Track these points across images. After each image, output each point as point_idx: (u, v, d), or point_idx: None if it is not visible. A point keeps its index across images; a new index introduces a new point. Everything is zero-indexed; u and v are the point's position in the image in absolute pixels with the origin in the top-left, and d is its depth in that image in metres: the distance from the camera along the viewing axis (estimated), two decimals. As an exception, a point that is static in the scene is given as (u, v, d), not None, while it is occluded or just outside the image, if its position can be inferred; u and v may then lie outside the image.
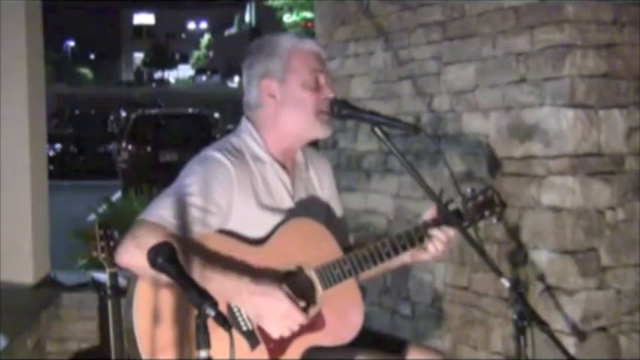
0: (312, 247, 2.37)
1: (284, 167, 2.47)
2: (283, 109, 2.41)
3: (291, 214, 2.42)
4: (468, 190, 2.45)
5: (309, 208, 2.49)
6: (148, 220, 2.24)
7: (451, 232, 2.39)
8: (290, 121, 2.41)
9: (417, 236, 2.41)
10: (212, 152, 2.38)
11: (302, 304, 2.30)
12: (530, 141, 3.49)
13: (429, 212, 2.45)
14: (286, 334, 2.26)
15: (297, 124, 2.41)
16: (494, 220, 2.48)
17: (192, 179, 2.31)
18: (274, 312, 2.22)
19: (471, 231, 2.39)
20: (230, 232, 2.33)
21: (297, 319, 2.24)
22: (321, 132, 2.43)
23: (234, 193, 2.33)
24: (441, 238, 2.39)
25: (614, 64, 3.37)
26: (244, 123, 2.49)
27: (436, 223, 2.41)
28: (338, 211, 2.65)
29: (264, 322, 2.24)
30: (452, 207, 2.39)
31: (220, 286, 2.18)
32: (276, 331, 2.25)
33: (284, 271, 2.34)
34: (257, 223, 2.36)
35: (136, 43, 76.06)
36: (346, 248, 2.47)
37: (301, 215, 2.42)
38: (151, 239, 2.09)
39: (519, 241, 3.55)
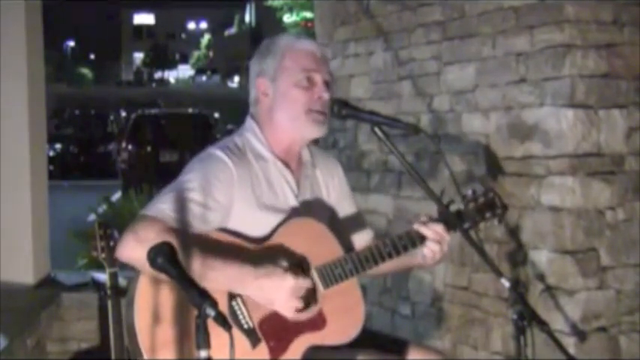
0: (313, 247, 2.37)
1: (287, 165, 2.47)
2: (275, 106, 2.44)
3: (294, 212, 2.43)
4: (469, 192, 2.46)
5: (313, 207, 2.50)
6: (147, 215, 2.25)
7: (439, 228, 2.39)
8: (282, 119, 2.43)
9: (417, 236, 2.41)
10: (214, 150, 2.39)
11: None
12: (530, 141, 3.49)
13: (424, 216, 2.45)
14: (300, 306, 2.27)
15: (288, 122, 2.42)
16: (496, 222, 2.49)
17: (192, 176, 2.33)
18: (282, 290, 2.24)
19: (471, 231, 2.39)
20: (231, 230, 2.34)
21: (306, 285, 2.27)
22: (312, 131, 2.44)
23: (235, 192, 2.34)
24: (433, 238, 2.38)
25: (614, 64, 3.37)
26: (248, 121, 2.51)
27: (434, 220, 2.41)
28: (350, 209, 2.65)
29: (275, 303, 2.26)
30: (453, 208, 2.39)
31: (223, 275, 2.20)
32: (289, 308, 2.26)
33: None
34: (258, 223, 2.36)
35: (136, 43, 76.16)
36: (351, 248, 2.48)
37: (304, 214, 2.43)
38: (151, 233, 2.14)
39: (519, 241, 3.55)
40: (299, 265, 2.36)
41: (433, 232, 2.38)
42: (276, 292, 2.24)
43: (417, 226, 2.40)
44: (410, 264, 2.54)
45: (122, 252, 2.24)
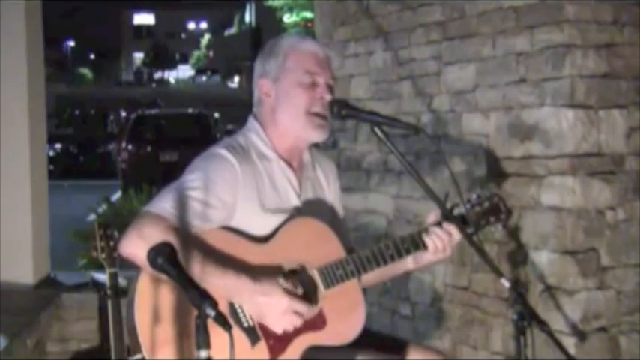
0: (315, 247, 2.37)
1: (290, 165, 2.48)
2: (277, 107, 2.44)
3: (297, 212, 2.44)
4: (474, 196, 2.47)
5: (316, 207, 2.50)
6: (151, 212, 2.26)
7: (452, 229, 2.39)
8: (284, 119, 2.43)
9: (420, 239, 2.41)
10: (219, 149, 2.40)
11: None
12: (530, 141, 3.49)
13: (432, 216, 2.45)
14: (290, 328, 2.27)
15: (290, 123, 2.43)
16: (500, 227, 2.49)
17: (197, 174, 2.34)
18: (275, 309, 2.24)
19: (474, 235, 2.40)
20: (233, 228, 2.35)
21: (300, 310, 2.26)
22: (313, 135, 2.44)
23: (239, 191, 2.34)
24: (440, 235, 2.39)
25: (614, 64, 3.37)
26: (251, 122, 2.51)
27: (439, 224, 2.41)
28: (340, 213, 2.67)
29: (267, 319, 2.26)
30: (456, 212, 2.39)
31: (221, 283, 2.20)
32: (279, 327, 2.26)
33: (286, 270, 2.34)
34: (261, 222, 2.37)
35: (136, 43, 76.14)
36: (349, 249, 2.48)
37: (307, 214, 2.44)
38: (154, 230, 2.16)
39: (519, 241, 3.55)
40: (297, 272, 2.36)
41: (445, 231, 2.38)
42: (269, 310, 2.24)
43: (431, 228, 2.40)
44: (407, 269, 2.53)
45: (125, 248, 2.24)
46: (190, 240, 2.23)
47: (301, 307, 2.27)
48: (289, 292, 2.27)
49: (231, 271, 2.23)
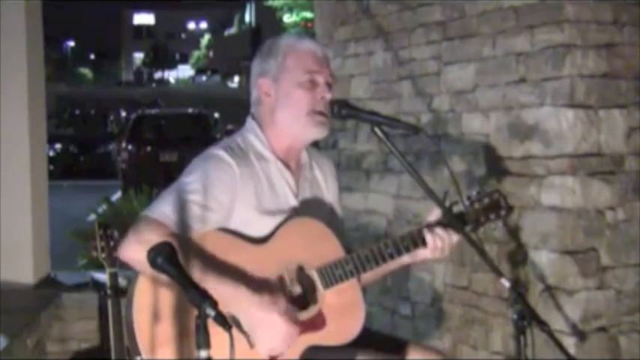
0: (314, 247, 2.37)
1: (287, 166, 2.48)
2: (277, 106, 2.44)
3: (295, 212, 2.43)
4: (474, 193, 2.46)
5: (314, 207, 2.50)
6: (150, 217, 2.26)
7: (455, 237, 2.39)
8: (284, 120, 2.43)
9: (419, 238, 2.40)
10: (217, 150, 2.39)
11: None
12: (530, 141, 3.49)
13: (434, 213, 2.44)
14: (276, 352, 2.24)
15: (290, 123, 2.42)
16: (500, 224, 2.49)
17: (194, 176, 2.33)
18: (269, 330, 2.21)
19: (473, 232, 2.39)
20: (232, 230, 2.34)
21: (293, 337, 2.24)
22: (313, 133, 2.43)
23: (237, 192, 2.34)
24: (442, 237, 2.39)
25: (614, 64, 3.37)
26: (249, 122, 2.51)
27: (441, 225, 2.41)
28: (339, 213, 2.66)
29: (257, 335, 2.21)
30: (456, 209, 2.39)
31: (219, 290, 2.18)
32: (265, 346, 2.22)
33: (285, 270, 2.34)
34: (259, 223, 2.37)
35: (136, 43, 76.11)
36: (346, 250, 2.48)
37: (305, 214, 2.43)
38: (153, 235, 2.15)
39: (519, 241, 3.55)
40: (297, 273, 2.35)
41: (448, 234, 2.38)
42: (262, 328, 2.21)
43: (434, 228, 2.40)
44: (404, 263, 2.53)
45: (124, 252, 2.24)
46: (190, 245, 2.22)
47: (294, 332, 2.24)
48: (289, 315, 2.24)
49: (231, 279, 2.21)
